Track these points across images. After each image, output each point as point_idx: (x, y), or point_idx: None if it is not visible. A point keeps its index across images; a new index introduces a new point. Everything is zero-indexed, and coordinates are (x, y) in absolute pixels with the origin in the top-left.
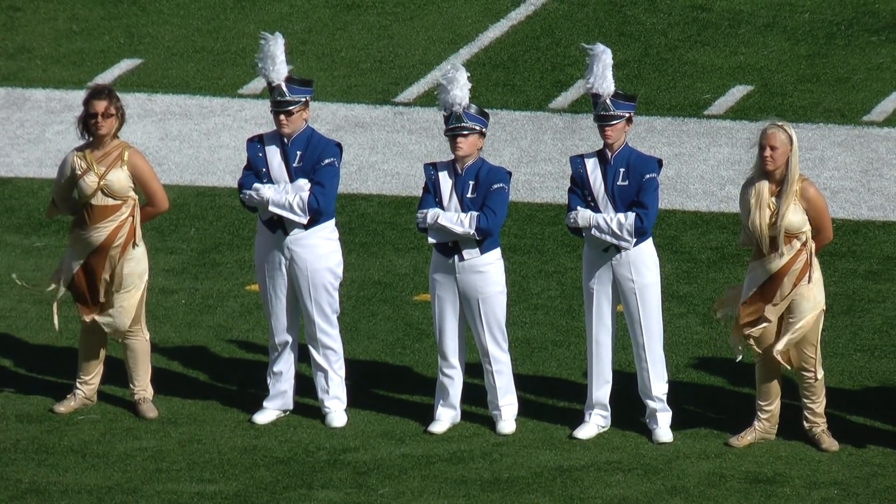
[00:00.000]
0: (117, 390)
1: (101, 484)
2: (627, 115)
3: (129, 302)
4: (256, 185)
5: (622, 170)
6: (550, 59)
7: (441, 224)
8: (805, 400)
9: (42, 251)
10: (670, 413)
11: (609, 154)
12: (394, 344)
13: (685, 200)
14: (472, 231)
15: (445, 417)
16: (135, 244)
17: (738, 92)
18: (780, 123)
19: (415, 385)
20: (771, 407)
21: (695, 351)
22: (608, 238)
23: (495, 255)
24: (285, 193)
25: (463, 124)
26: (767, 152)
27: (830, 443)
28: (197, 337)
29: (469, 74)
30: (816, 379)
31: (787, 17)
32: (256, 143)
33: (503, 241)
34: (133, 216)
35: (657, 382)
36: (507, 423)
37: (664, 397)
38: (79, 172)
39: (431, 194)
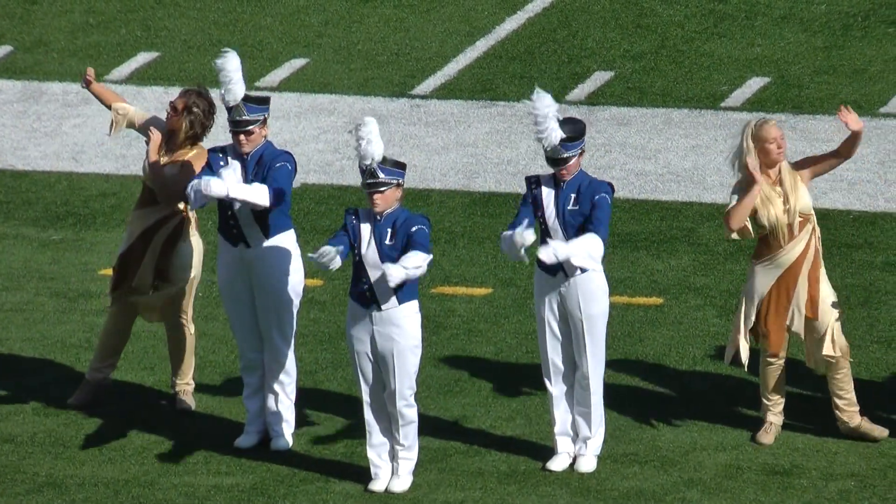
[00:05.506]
0: (133, 383)
1: (117, 477)
2: (580, 150)
3: (166, 292)
4: (205, 178)
5: (573, 195)
6: (567, 52)
7: None
8: (837, 398)
9: (59, 244)
10: (601, 441)
11: (562, 181)
12: None
13: (702, 192)
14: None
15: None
16: (183, 239)
17: (754, 84)
18: (767, 118)
19: (431, 378)
20: (781, 399)
21: (711, 342)
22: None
23: (413, 307)
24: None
25: (378, 180)
26: (776, 145)
27: (881, 431)
28: (214, 329)
29: (379, 126)
30: (847, 369)
31: (803, 8)
32: (219, 155)
33: None
34: (186, 212)
35: (596, 411)
36: (403, 479)
37: (600, 428)
38: (151, 154)
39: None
